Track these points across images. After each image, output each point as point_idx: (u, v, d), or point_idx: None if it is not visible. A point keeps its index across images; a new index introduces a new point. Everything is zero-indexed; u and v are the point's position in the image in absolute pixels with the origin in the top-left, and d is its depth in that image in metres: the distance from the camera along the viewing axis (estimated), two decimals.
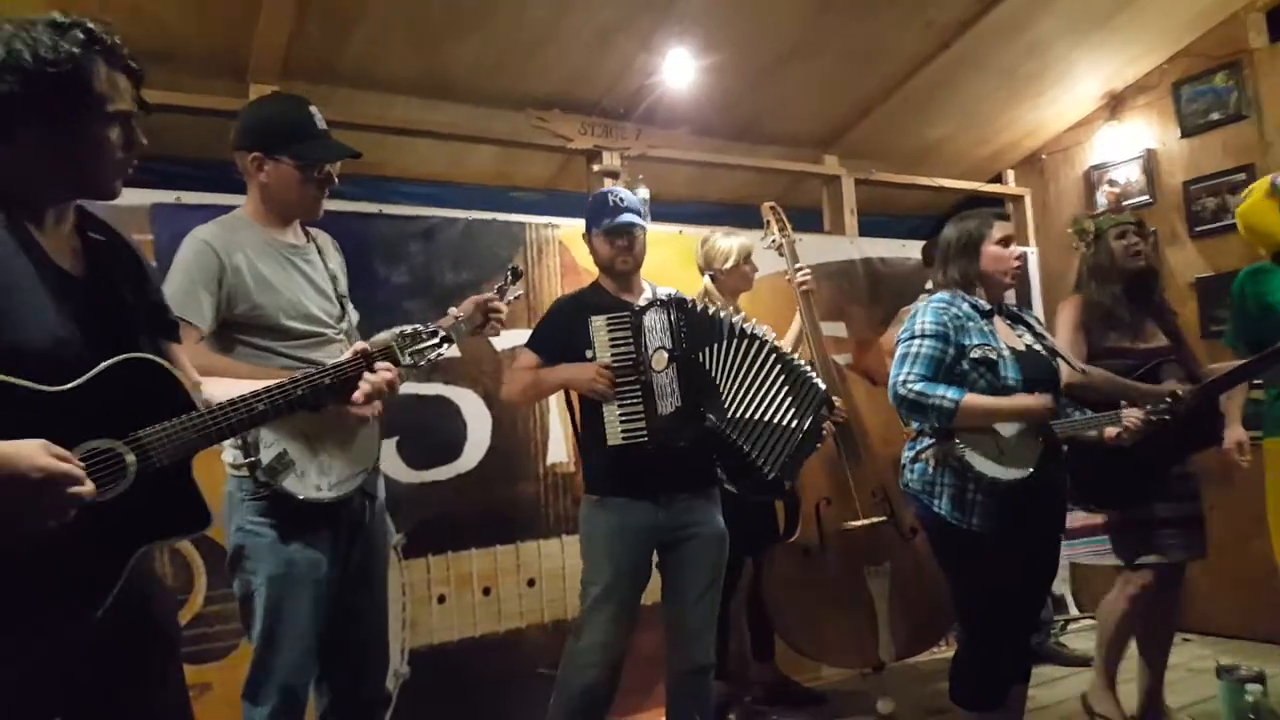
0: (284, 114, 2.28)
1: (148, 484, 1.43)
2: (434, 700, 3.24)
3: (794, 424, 2.69)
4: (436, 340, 2.01)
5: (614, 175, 4.04)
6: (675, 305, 2.79)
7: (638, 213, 2.88)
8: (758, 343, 2.77)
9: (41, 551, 1.33)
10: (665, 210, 4.30)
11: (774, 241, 3.71)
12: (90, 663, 1.46)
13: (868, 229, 4.84)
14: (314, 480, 2.11)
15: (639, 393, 2.70)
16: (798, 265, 3.63)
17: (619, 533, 2.76)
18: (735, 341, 2.76)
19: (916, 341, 2.55)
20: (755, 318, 2.87)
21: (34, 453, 1.29)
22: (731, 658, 3.60)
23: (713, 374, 2.74)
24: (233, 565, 2.16)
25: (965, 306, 2.60)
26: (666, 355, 2.72)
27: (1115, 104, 4.79)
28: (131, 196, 2.04)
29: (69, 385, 1.40)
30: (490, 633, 3.41)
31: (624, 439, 2.68)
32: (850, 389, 3.63)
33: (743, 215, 4.47)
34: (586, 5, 3.48)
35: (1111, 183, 4.80)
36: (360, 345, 1.88)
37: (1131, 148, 4.72)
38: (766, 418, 2.70)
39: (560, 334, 2.84)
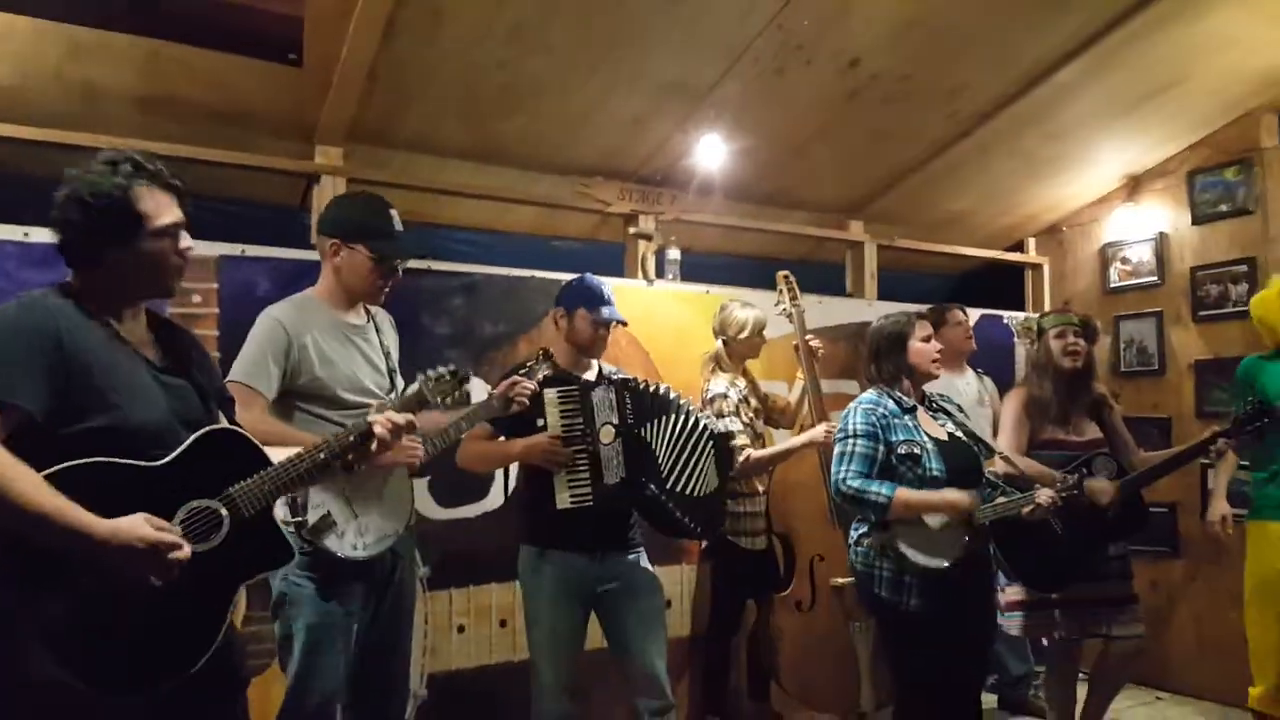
0: (367, 212, 2.59)
1: (239, 531, 1.75)
2: None
3: (717, 493, 3.09)
4: (457, 379, 2.29)
5: (647, 237, 4.30)
6: (622, 384, 3.07)
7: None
8: (692, 419, 3.08)
9: (158, 599, 1.63)
10: (695, 262, 4.50)
11: (784, 310, 3.95)
12: (182, 696, 1.73)
13: (888, 284, 5.02)
14: (351, 540, 2.41)
15: (586, 462, 2.96)
16: (807, 334, 3.84)
17: (560, 583, 3.00)
18: (674, 416, 3.07)
19: (850, 441, 2.81)
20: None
21: (136, 525, 1.60)
22: (729, 694, 3.86)
23: (654, 447, 3.02)
24: (275, 610, 2.48)
25: (890, 404, 2.84)
26: (613, 430, 2.99)
27: (1133, 186, 4.97)
28: (201, 248, 2.25)
29: (167, 459, 1.72)
30: (505, 661, 3.69)
31: (571, 503, 2.93)
32: None
33: (770, 270, 4.70)
34: (623, 93, 3.75)
35: (1124, 260, 4.99)
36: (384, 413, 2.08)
37: (1145, 229, 4.90)
38: (697, 491, 3.03)
39: None
